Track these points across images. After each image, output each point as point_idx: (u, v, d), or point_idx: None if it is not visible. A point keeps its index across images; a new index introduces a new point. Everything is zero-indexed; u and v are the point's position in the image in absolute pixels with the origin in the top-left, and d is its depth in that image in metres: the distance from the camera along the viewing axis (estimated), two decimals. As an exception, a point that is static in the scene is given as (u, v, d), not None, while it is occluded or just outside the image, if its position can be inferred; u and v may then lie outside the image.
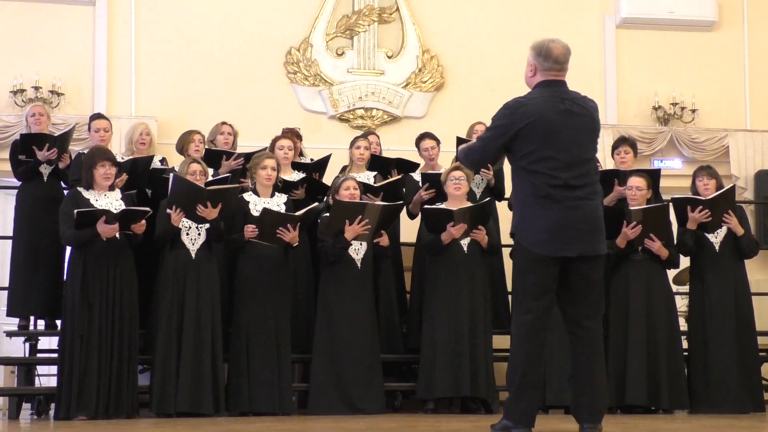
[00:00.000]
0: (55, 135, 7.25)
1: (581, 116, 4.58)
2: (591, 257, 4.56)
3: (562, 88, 4.62)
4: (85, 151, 6.95)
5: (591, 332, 4.60)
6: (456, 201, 6.83)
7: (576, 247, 4.50)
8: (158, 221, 6.54)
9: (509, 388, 4.61)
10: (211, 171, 7.02)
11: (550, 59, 4.58)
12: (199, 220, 6.46)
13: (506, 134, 4.55)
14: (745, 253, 7.02)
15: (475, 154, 4.78)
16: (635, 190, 6.85)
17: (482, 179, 7.50)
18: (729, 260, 6.96)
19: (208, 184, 6.67)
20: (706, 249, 6.97)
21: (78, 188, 6.47)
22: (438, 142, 7.74)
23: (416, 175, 7.58)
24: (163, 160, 7.62)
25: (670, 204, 6.99)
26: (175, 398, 6.32)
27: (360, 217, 6.60)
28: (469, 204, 6.90)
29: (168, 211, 6.44)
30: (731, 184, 7.36)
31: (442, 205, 6.87)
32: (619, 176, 7.19)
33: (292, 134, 7.74)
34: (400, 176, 7.44)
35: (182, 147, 7.45)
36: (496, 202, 7.40)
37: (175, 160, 7.55)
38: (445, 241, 6.78)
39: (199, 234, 6.54)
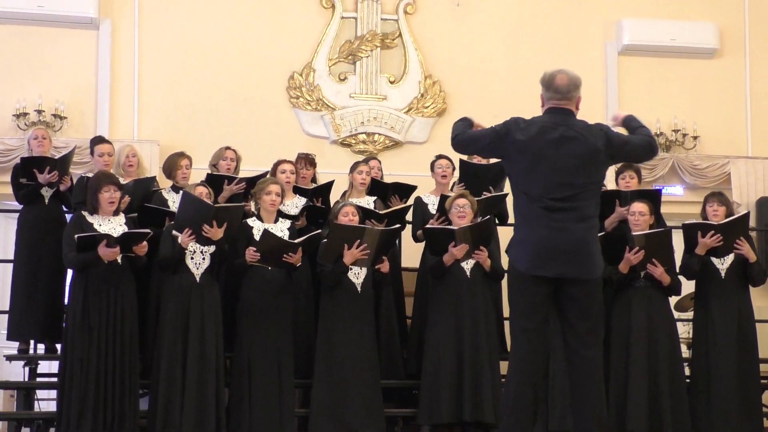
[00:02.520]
0: (56, 158, 7.26)
1: (574, 141, 4.60)
2: (579, 281, 4.55)
3: (562, 116, 4.68)
4: (89, 175, 6.95)
5: (589, 362, 4.57)
6: (460, 229, 6.80)
7: (555, 268, 4.52)
8: (162, 243, 6.50)
9: (504, 412, 4.59)
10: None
11: (551, 89, 4.72)
12: (204, 241, 6.44)
13: (495, 138, 4.72)
14: (754, 281, 6.98)
15: (466, 135, 4.90)
16: (638, 215, 6.81)
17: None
18: (734, 287, 6.92)
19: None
20: (711, 275, 6.92)
21: (83, 212, 6.47)
22: (453, 165, 7.68)
23: (425, 197, 7.52)
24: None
25: (672, 230, 6.97)
26: (180, 421, 6.27)
27: (359, 241, 6.59)
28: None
29: (174, 233, 6.42)
30: (746, 211, 7.33)
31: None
32: (620, 197, 7.15)
33: (306, 160, 7.69)
34: (405, 204, 7.40)
35: (170, 172, 7.39)
36: (500, 228, 7.37)
37: (166, 183, 7.52)
38: (447, 262, 6.75)
39: (204, 258, 6.52)
